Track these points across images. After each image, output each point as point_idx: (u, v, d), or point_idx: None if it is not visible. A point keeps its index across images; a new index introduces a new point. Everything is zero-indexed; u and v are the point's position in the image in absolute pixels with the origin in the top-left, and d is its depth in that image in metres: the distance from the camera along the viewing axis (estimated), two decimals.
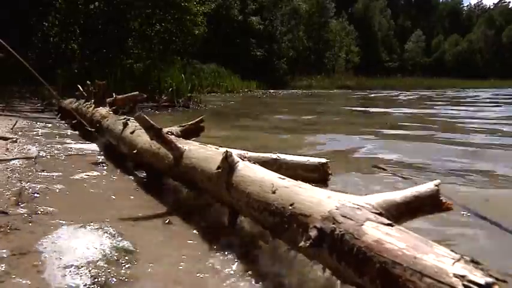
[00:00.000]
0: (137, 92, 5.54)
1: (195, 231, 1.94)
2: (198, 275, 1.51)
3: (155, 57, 13.11)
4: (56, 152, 3.69)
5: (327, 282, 1.32)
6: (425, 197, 1.24)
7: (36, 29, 12.90)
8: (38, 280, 1.38)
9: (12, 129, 4.84)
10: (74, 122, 5.31)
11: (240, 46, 29.21)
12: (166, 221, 2.05)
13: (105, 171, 3.08)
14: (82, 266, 1.46)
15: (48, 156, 3.48)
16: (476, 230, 2.04)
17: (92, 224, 1.84)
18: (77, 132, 5.10)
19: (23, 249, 1.59)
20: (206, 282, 1.47)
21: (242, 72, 25.34)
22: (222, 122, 7.37)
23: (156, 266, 1.55)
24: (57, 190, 2.48)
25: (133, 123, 3.29)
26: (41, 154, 3.52)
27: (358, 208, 1.19)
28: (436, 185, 1.25)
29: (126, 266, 1.52)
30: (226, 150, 1.88)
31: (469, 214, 2.21)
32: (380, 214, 1.16)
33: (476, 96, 21.18)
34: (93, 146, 4.10)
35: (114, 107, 4.64)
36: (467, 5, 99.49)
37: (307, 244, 1.21)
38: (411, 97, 20.39)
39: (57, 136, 4.80)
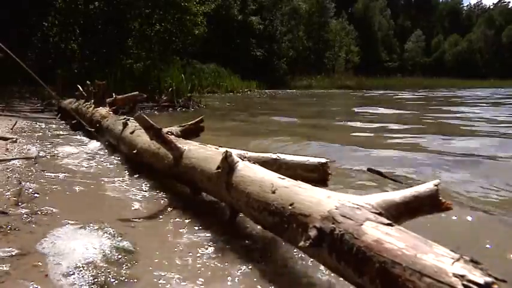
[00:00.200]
0: (137, 92, 5.56)
1: (195, 229, 1.94)
2: (199, 274, 1.51)
3: (155, 57, 13.11)
4: (55, 152, 3.69)
5: None
6: (424, 197, 1.24)
7: (36, 29, 12.90)
8: (38, 280, 1.38)
9: (12, 129, 4.84)
10: (73, 122, 5.32)
11: (240, 46, 29.20)
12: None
13: (104, 171, 3.07)
14: (82, 266, 1.46)
15: (48, 156, 3.48)
16: None
17: (92, 224, 1.84)
18: (76, 132, 5.10)
19: (23, 249, 1.59)
20: (207, 282, 1.47)
21: (242, 72, 25.33)
22: (216, 122, 7.13)
23: (156, 266, 1.55)
24: (57, 190, 2.48)
25: (133, 123, 3.30)
26: (40, 154, 3.52)
27: (357, 208, 1.19)
28: (436, 185, 1.25)
29: (126, 266, 1.52)
30: (226, 150, 1.88)
31: None
32: (379, 214, 1.17)
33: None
34: (93, 146, 4.11)
35: (114, 107, 4.65)
36: (467, 5, 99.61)
37: (307, 244, 1.21)
38: (419, 96, 20.33)
39: (57, 136, 4.80)
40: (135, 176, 2.94)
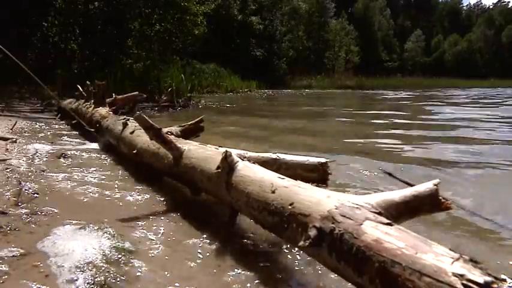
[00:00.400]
0: (137, 92, 5.57)
1: (195, 230, 1.94)
2: (198, 274, 1.51)
3: (155, 57, 13.11)
4: (55, 152, 3.69)
5: None
6: (424, 196, 1.24)
7: (36, 29, 12.89)
8: (38, 280, 1.38)
9: (11, 129, 4.84)
10: (73, 122, 5.32)
11: (240, 46, 29.19)
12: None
13: (104, 171, 3.07)
14: (82, 266, 1.46)
15: (48, 156, 3.48)
16: None
17: (92, 224, 1.84)
18: (76, 132, 5.10)
19: (23, 249, 1.59)
20: (206, 282, 1.47)
21: (242, 72, 25.33)
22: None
23: (155, 266, 1.55)
24: (57, 190, 2.48)
25: (133, 123, 3.30)
26: (40, 154, 3.52)
27: (357, 208, 1.19)
28: (435, 185, 1.25)
29: (126, 266, 1.52)
30: (226, 150, 1.88)
31: None
32: (379, 213, 1.17)
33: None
34: (93, 146, 4.11)
35: (113, 107, 4.65)
36: (467, 5, 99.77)
37: (307, 243, 1.21)
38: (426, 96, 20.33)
39: (57, 136, 4.80)
40: (135, 176, 2.94)
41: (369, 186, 2.84)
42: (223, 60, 24.73)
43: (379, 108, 12.65)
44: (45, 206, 2.13)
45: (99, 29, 12.73)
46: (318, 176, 2.01)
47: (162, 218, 2.11)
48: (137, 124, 2.81)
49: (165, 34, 13.64)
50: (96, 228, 1.81)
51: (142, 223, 2.02)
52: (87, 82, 5.73)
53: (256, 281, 1.47)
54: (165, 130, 2.58)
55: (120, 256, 1.58)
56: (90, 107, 4.96)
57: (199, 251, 1.72)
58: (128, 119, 3.51)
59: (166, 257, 1.64)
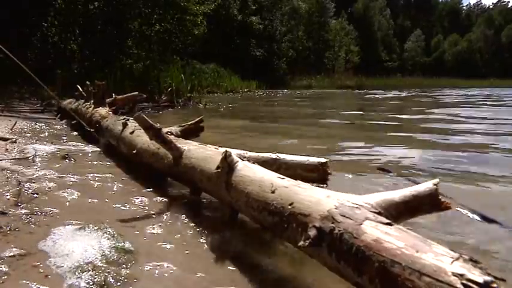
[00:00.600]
0: (137, 92, 5.56)
1: (195, 229, 1.94)
2: (199, 274, 1.51)
3: (155, 57, 13.12)
4: (55, 152, 3.68)
5: None
6: (424, 196, 1.24)
7: (36, 29, 12.90)
8: (38, 281, 1.38)
9: (11, 129, 4.84)
10: (73, 122, 5.32)
11: (240, 46, 29.21)
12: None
13: (104, 171, 3.07)
14: (82, 267, 1.46)
15: (48, 157, 3.48)
16: None
17: (91, 224, 1.84)
18: (76, 132, 5.10)
19: (22, 250, 1.59)
20: (207, 282, 1.47)
21: (242, 72, 25.36)
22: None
23: (155, 266, 1.55)
24: (57, 190, 2.47)
25: (132, 124, 3.30)
26: (40, 154, 3.51)
27: (357, 207, 1.19)
28: (435, 184, 1.25)
29: (126, 266, 1.52)
30: (226, 150, 1.88)
31: None
32: (379, 213, 1.17)
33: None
34: (93, 146, 4.10)
35: (113, 107, 4.65)
36: (467, 5, 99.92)
37: (307, 243, 1.21)
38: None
39: (57, 136, 4.79)
40: (135, 176, 2.94)
41: None
42: (223, 60, 24.75)
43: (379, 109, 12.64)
44: (45, 206, 2.13)
45: (99, 29, 12.74)
46: (318, 176, 2.01)
47: (162, 218, 2.11)
48: (137, 124, 2.81)
49: (165, 34, 13.65)
50: (96, 228, 1.80)
51: (143, 223, 2.02)
52: (87, 82, 5.72)
53: (258, 281, 1.47)
54: (164, 130, 2.58)
55: (120, 256, 1.58)
56: (90, 107, 4.96)
57: (199, 251, 1.72)
58: (128, 119, 3.51)
59: (166, 257, 1.64)
